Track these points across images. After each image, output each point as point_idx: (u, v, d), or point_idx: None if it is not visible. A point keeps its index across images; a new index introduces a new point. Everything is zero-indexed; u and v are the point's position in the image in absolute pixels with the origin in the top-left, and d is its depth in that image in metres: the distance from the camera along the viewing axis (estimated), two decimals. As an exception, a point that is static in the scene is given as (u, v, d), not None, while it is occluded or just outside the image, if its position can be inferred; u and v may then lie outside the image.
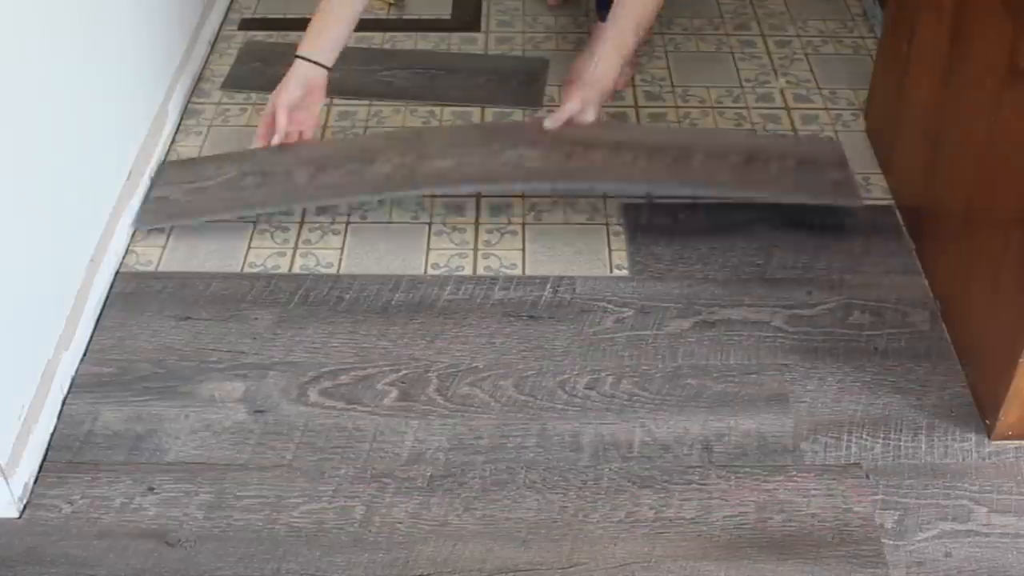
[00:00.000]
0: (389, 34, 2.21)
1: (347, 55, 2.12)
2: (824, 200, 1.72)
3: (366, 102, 2.01)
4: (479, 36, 2.21)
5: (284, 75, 1.75)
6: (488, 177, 1.72)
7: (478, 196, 1.79)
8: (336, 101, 2.00)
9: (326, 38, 1.76)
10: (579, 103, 1.72)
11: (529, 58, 2.14)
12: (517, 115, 1.97)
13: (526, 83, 2.06)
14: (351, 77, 2.06)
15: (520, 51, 2.16)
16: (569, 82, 1.76)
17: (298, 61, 1.75)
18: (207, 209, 1.70)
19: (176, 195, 1.74)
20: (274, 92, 1.75)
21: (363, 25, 2.21)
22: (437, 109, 1.99)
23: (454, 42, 2.19)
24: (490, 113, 1.98)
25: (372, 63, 2.11)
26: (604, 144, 1.75)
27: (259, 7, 2.29)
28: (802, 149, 1.82)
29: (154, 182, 1.77)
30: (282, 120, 1.73)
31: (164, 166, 1.81)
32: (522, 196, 1.79)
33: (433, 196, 1.78)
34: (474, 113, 1.98)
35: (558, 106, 1.76)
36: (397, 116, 1.98)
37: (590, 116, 1.72)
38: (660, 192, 1.75)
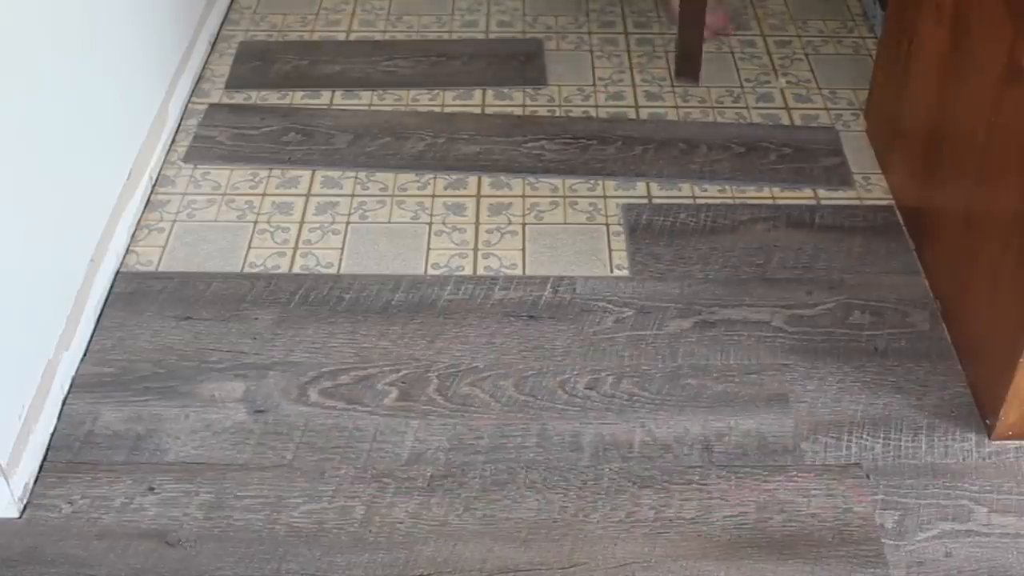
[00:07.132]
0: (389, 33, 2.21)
1: (348, 48, 2.14)
2: (819, 187, 1.80)
3: (370, 91, 2.03)
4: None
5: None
6: (510, 167, 1.82)
7: (478, 196, 1.79)
8: (341, 93, 2.01)
9: None
10: None
11: (525, 39, 2.20)
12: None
13: (525, 62, 2.12)
14: (354, 69, 2.08)
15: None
16: None
17: None
18: (253, 158, 1.84)
19: (222, 138, 1.88)
20: None
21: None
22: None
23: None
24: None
25: (373, 54, 2.13)
26: (617, 138, 1.90)
27: (259, 7, 2.29)
28: (798, 137, 1.92)
29: (201, 122, 1.92)
30: None
31: (211, 109, 1.95)
32: (522, 196, 1.79)
33: (434, 196, 1.79)
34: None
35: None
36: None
37: None
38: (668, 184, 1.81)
